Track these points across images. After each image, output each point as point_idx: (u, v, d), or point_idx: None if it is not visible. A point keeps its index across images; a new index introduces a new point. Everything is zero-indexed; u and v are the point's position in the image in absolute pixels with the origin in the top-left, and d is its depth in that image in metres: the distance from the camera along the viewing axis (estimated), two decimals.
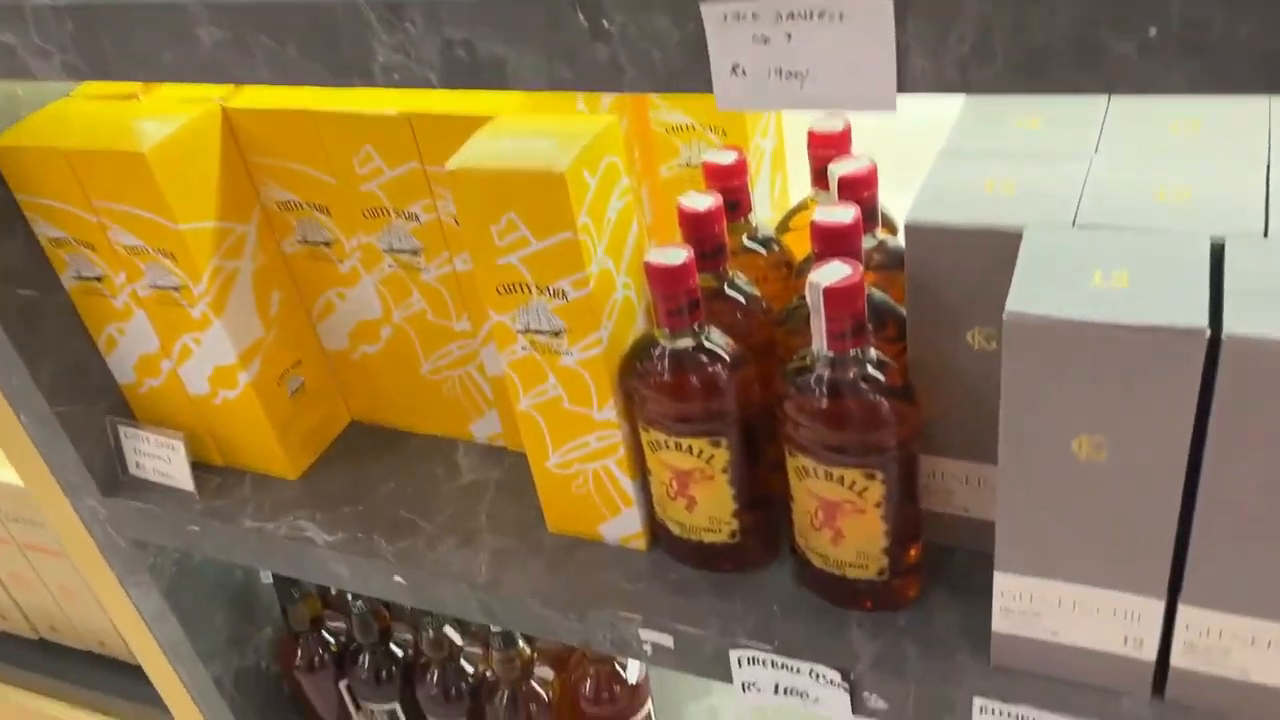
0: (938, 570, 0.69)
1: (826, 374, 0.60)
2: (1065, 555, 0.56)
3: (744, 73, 0.44)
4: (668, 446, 0.67)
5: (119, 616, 1.04)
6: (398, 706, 1.07)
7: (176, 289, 0.78)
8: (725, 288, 0.69)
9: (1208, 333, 0.47)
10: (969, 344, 0.61)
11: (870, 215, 0.67)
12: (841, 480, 0.62)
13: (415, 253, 0.78)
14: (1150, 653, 0.58)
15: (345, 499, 0.85)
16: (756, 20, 0.42)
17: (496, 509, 0.81)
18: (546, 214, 0.61)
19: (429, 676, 1.03)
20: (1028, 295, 0.50)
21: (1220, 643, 0.55)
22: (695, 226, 0.66)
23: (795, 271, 0.75)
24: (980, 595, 0.66)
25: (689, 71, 0.45)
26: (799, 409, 0.62)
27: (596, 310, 0.64)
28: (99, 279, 0.82)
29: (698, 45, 0.44)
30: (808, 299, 0.59)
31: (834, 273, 0.58)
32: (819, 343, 0.60)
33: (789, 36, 0.42)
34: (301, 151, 0.76)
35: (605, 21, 0.45)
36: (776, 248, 0.76)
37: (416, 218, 0.76)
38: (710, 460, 0.66)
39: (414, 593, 0.79)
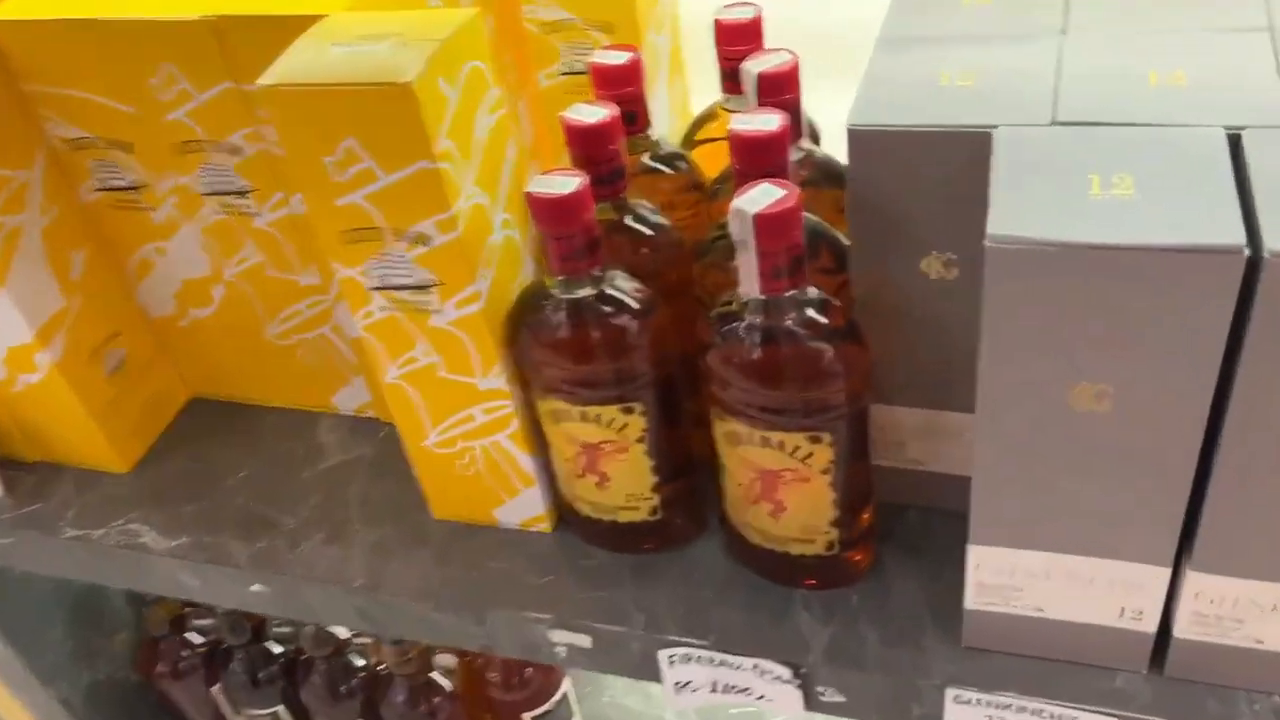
0: (890, 535, 0.60)
1: (760, 321, 0.49)
2: (1055, 524, 0.47)
3: None
4: (571, 417, 0.55)
5: None
6: (281, 709, 0.95)
7: None
8: (627, 219, 0.57)
9: (1246, 252, 0.37)
10: (924, 273, 0.51)
11: (795, 123, 0.56)
12: (782, 446, 0.52)
13: (243, 194, 0.64)
14: (1151, 625, 0.49)
15: (187, 495, 0.71)
16: None
17: (371, 494, 0.69)
18: (395, 138, 0.48)
19: (313, 675, 0.91)
20: (1011, 215, 0.40)
21: (1234, 611, 0.47)
22: (586, 145, 0.54)
23: (709, 194, 0.63)
24: (940, 561, 0.58)
25: None
26: (728, 365, 0.51)
27: (470, 257, 0.52)
28: None
29: None
30: (732, 230, 0.47)
31: (764, 197, 0.46)
32: (749, 284, 0.48)
33: None
34: (88, 75, 0.61)
35: None
36: (684, 165, 0.64)
37: (239, 151, 0.61)
38: (623, 430, 0.55)
39: (277, 603, 0.66)
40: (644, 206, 0.59)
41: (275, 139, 0.58)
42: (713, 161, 0.63)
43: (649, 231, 0.58)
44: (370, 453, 0.72)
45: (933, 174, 0.47)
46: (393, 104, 0.47)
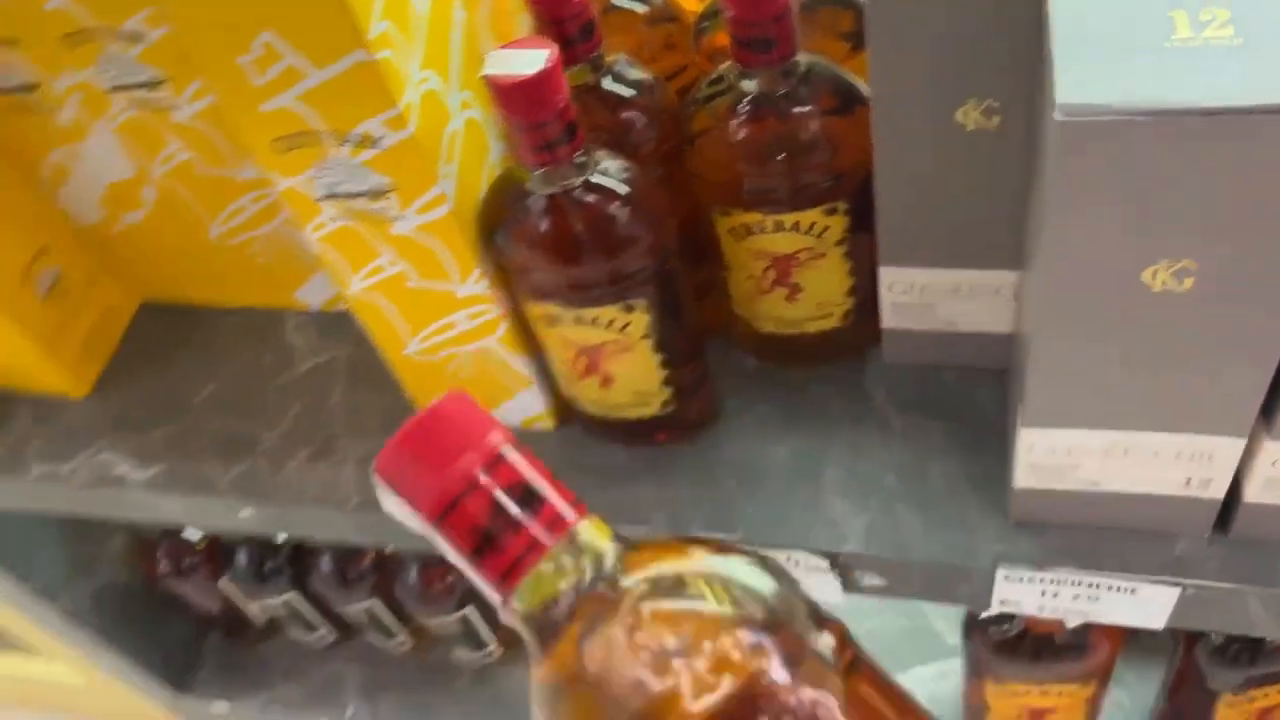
0: (923, 402, 0.55)
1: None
2: (1120, 403, 0.42)
3: None
4: (566, 321, 0.49)
5: None
6: (294, 595, 0.93)
7: None
8: (605, 81, 0.49)
9: None
10: (960, 124, 0.44)
11: None
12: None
13: (154, 85, 0.55)
14: (1218, 491, 0.46)
15: (155, 417, 0.66)
16: None
17: (354, 401, 0.63)
18: (321, 28, 0.39)
19: (320, 562, 0.89)
20: (1082, 75, 0.33)
21: None
22: (549, 3, 0.45)
23: (696, 31, 0.54)
24: (980, 428, 0.53)
25: None
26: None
27: (428, 156, 0.44)
28: None
29: None
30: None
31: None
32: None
33: None
34: None
35: None
36: (661, 4, 0.55)
37: (140, 37, 0.52)
38: (625, 329, 0.49)
39: (269, 525, 0.62)
40: (623, 61, 0.50)
41: (161, 34, 0.49)
42: None
43: (631, 92, 0.50)
44: (346, 353, 0.66)
45: (971, 7, 0.40)
46: None
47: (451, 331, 0.53)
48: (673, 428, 0.56)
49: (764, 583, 0.31)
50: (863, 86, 0.46)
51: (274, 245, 0.64)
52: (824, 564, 0.52)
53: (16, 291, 0.63)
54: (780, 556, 0.53)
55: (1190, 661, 0.70)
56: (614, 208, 0.45)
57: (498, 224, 0.48)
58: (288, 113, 0.43)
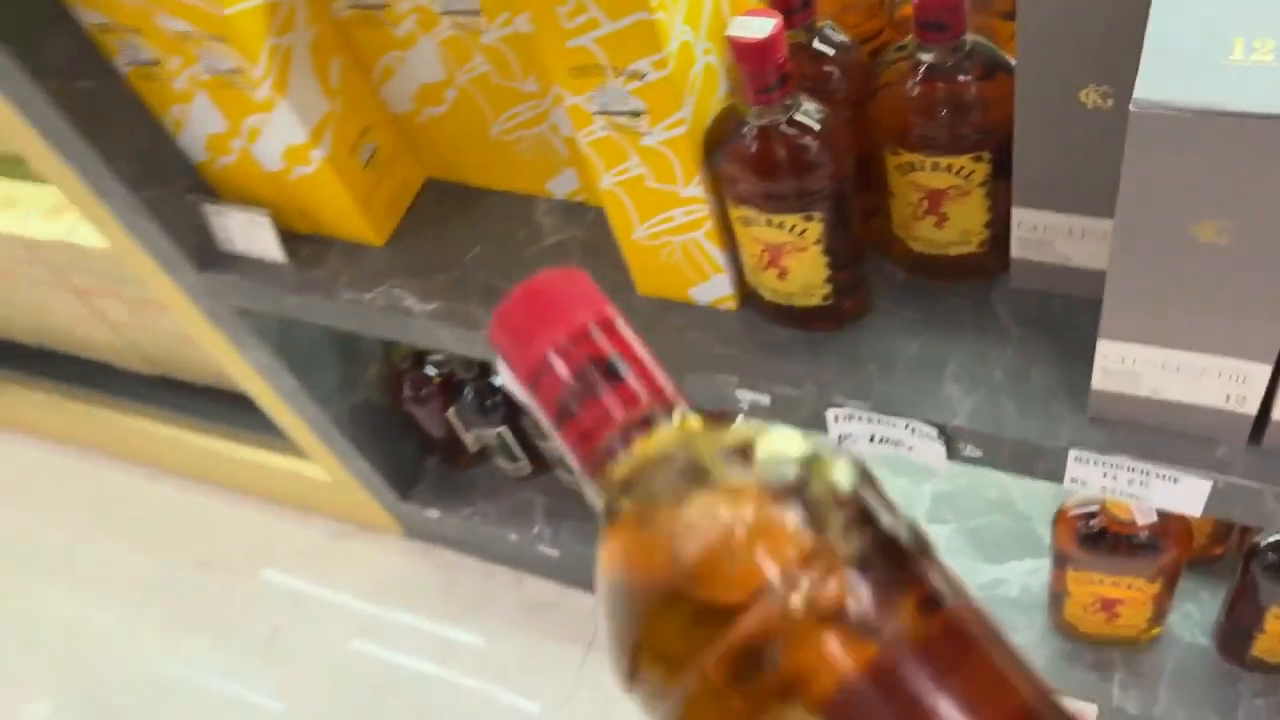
0: (1035, 319, 0.69)
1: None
2: (1174, 326, 0.56)
3: None
4: (758, 223, 0.65)
5: (234, 369, 1.10)
6: (505, 429, 1.14)
7: (235, 72, 0.75)
8: (815, 42, 0.65)
9: None
10: (1082, 102, 0.57)
11: None
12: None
13: (474, 13, 0.73)
14: (1252, 408, 0.58)
15: (435, 266, 0.86)
16: None
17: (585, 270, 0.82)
18: None
19: None
20: (1156, 79, 0.46)
21: None
22: None
23: (889, 6, 0.69)
24: (1075, 343, 0.67)
25: None
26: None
27: (678, 90, 0.61)
28: (154, 63, 0.79)
29: None
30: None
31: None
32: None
33: None
34: None
35: None
36: None
37: None
38: (803, 234, 0.65)
39: None
40: (830, 27, 0.65)
41: None
42: None
43: (832, 51, 0.65)
44: (581, 235, 0.84)
45: (1095, 14, 0.53)
46: None
47: (670, 223, 0.70)
48: (830, 318, 0.72)
49: (845, 476, 0.28)
50: (1012, 62, 0.60)
51: (537, 145, 0.82)
52: (933, 433, 0.68)
53: (346, 159, 0.84)
54: (900, 424, 0.69)
55: (1247, 578, 0.82)
56: (807, 140, 0.61)
57: (718, 144, 0.64)
58: (585, 50, 0.60)
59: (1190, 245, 0.51)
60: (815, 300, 0.70)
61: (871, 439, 0.72)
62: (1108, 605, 0.88)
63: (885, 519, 0.27)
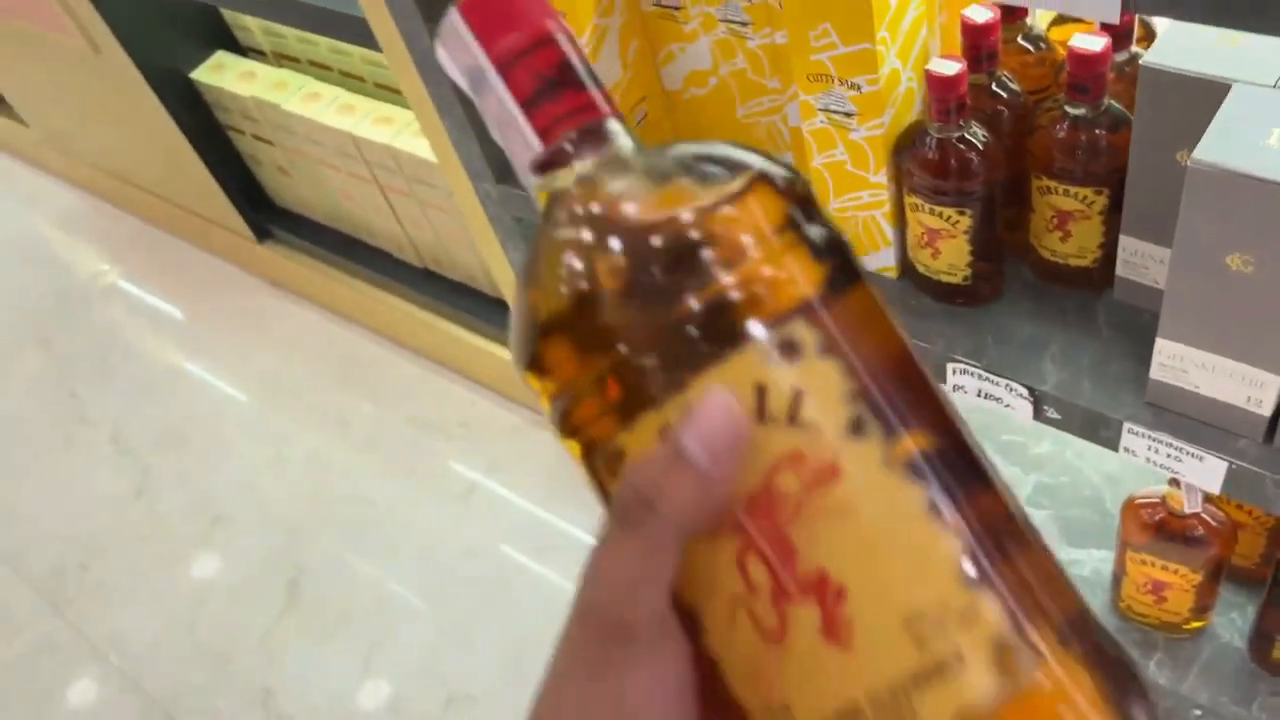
0: (1125, 326, 0.89)
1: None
2: (1211, 334, 0.75)
3: None
4: (923, 210, 0.88)
5: (496, 269, 1.39)
6: None
7: None
8: (993, 85, 0.87)
9: None
10: (1178, 161, 0.77)
11: (1124, 35, 0.82)
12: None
13: (744, 24, 0.98)
14: (1267, 410, 0.77)
15: None
16: None
17: None
18: (853, 28, 0.80)
19: None
20: (1213, 146, 0.67)
21: None
22: (973, 37, 0.83)
23: (1057, 69, 0.90)
24: (1149, 349, 0.86)
25: None
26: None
27: (883, 101, 0.84)
28: None
29: None
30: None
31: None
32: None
33: None
34: None
35: None
36: (1043, 46, 0.91)
37: None
38: (955, 224, 0.87)
39: None
40: (1006, 76, 0.87)
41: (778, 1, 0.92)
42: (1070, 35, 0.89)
43: (1005, 95, 0.87)
44: None
45: (1192, 100, 0.73)
46: (857, 7, 0.79)
47: (858, 202, 0.93)
48: (968, 296, 0.94)
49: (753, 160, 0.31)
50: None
51: (768, 129, 1.07)
52: (1026, 393, 0.89)
53: (626, 117, 1.11)
54: (1002, 383, 0.90)
55: (1275, 589, 0.99)
56: (970, 154, 0.83)
57: (905, 147, 0.87)
58: (822, 63, 0.84)
59: (1223, 271, 0.71)
60: (957, 279, 0.92)
61: (979, 393, 0.93)
62: (1157, 588, 1.06)
63: (812, 223, 0.31)
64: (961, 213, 0.86)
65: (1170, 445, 0.83)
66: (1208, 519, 0.98)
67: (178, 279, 2.29)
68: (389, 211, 1.63)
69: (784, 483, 0.28)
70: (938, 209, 0.87)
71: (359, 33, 1.22)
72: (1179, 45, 0.74)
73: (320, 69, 1.68)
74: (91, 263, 2.44)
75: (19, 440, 2.08)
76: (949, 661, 0.27)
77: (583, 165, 0.32)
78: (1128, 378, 0.86)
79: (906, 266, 0.97)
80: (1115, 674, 0.29)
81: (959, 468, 0.29)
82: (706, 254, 0.29)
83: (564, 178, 0.32)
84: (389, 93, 1.56)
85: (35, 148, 2.55)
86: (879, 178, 0.90)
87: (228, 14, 1.78)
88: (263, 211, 2.00)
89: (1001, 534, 0.29)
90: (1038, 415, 0.90)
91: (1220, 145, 0.67)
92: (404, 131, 1.47)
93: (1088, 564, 1.19)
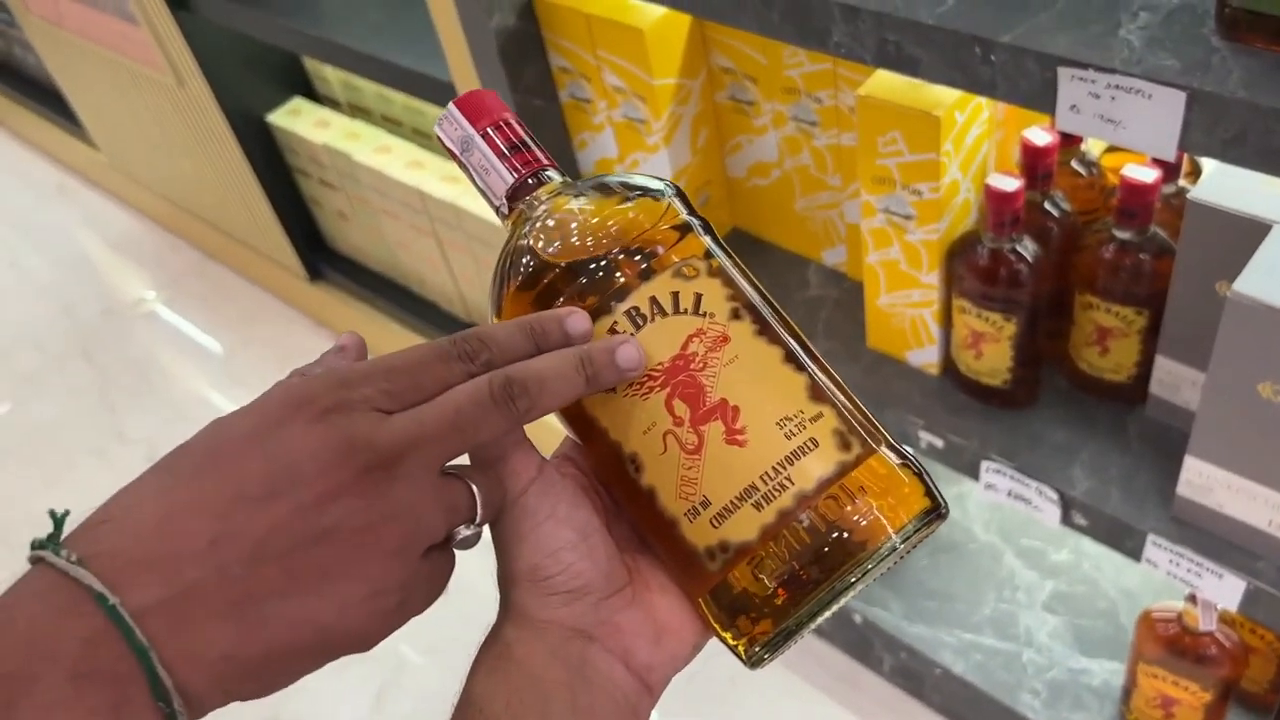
0: (1157, 441, 0.93)
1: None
2: (1240, 458, 0.79)
3: (1078, 111, 0.67)
4: (971, 313, 0.93)
5: None
6: None
7: (641, 121, 1.10)
8: (1046, 204, 0.92)
9: None
10: (1216, 291, 0.82)
11: (1173, 168, 0.87)
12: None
13: (813, 124, 1.04)
14: None
15: None
16: (1094, 84, 0.65)
17: (831, 321, 1.11)
18: (921, 139, 0.86)
19: None
20: (1253, 281, 0.71)
21: None
22: (1032, 158, 0.88)
23: (1107, 194, 0.95)
24: (1177, 466, 0.90)
25: (1042, 101, 0.68)
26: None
27: (942, 208, 0.90)
28: (587, 101, 1.15)
29: (1052, 87, 0.67)
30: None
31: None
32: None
33: (1113, 99, 0.64)
34: (747, 38, 1.03)
35: (992, 56, 0.69)
36: (1095, 171, 0.96)
37: (820, 100, 1.02)
38: (1000, 329, 0.92)
39: None
40: (1059, 196, 0.93)
41: (847, 101, 0.98)
42: (1122, 162, 0.95)
43: (1056, 214, 0.92)
44: (836, 295, 1.13)
45: (1232, 236, 0.78)
46: (926, 121, 0.84)
47: (907, 299, 0.98)
48: (1005, 399, 0.98)
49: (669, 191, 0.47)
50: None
51: (825, 223, 1.13)
52: (1055, 497, 0.92)
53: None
54: (1033, 485, 0.94)
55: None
56: (1020, 266, 0.88)
57: (958, 252, 0.92)
58: (887, 169, 0.90)
59: (1255, 399, 0.75)
60: (997, 382, 0.97)
61: (1009, 493, 0.97)
62: (1167, 703, 1.08)
63: (693, 214, 0.46)
64: (1007, 319, 0.91)
65: (1192, 560, 0.86)
66: (1221, 639, 1.01)
67: (224, 308, 2.35)
68: (443, 264, 1.69)
69: (694, 347, 0.42)
70: (985, 313, 0.92)
71: (441, 94, 1.29)
72: (1224, 182, 0.79)
73: (392, 123, 1.76)
74: (142, 285, 2.51)
75: (55, 447, 2.13)
76: (807, 446, 0.41)
77: (532, 196, 0.47)
78: (1154, 491, 0.90)
79: (948, 365, 1.02)
80: (928, 482, 0.43)
81: (798, 342, 0.44)
82: (634, 228, 0.44)
83: (525, 204, 0.47)
84: None
85: (101, 169, 2.64)
86: (931, 278, 0.95)
87: (310, 64, 1.87)
88: (318, 252, 2.07)
89: (830, 379, 0.44)
90: (1065, 520, 0.94)
91: (1260, 280, 0.71)
92: (470, 190, 1.54)
93: (1099, 674, 1.21)
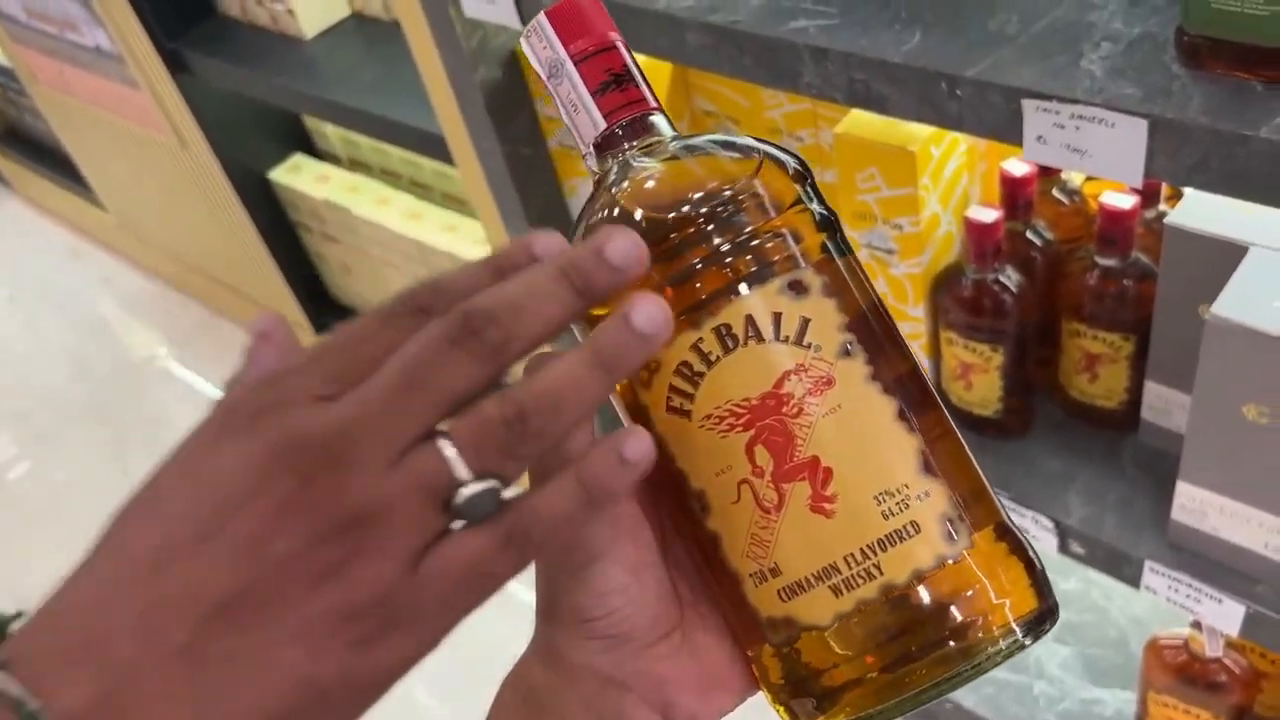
0: (1152, 468, 0.92)
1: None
2: (1231, 481, 0.79)
3: (1045, 142, 0.67)
4: (958, 344, 0.93)
5: None
6: None
7: None
8: (1027, 232, 0.92)
9: None
10: (1199, 315, 0.82)
11: (1152, 194, 0.88)
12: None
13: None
14: None
15: None
16: (1058, 115, 0.65)
17: None
18: (898, 174, 0.87)
19: None
20: (1230, 303, 0.72)
21: None
22: (1011, 188, 0.89)
23: (1090, 220, 0.96)
24: (1172, 491, 0.90)
25: (1009, 133, 0.69)
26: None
27: (923, 242, 0.90)
28: (574, 147, 1.16)
29: (1018, 119, 0.68)
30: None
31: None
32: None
33: (1077, 128, 0.65)
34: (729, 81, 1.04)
35: (958, 91, 0.70)
36: (1078, 199, 0.97)
37: (801, 139, 1.03)
38: (988, 360, 0.92)
39: None
40: (1040, 225, 0.93)
41: (826, 139, 0.99)
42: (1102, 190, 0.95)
43: (1039, 243, 0.93)
44: None
45: (1213, 260, 0.78)
46: (901, 157, 0.85)
47: None
48: (997, 428, 0.98)
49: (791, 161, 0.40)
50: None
51: None
52: (1051, 526, 0.92)
53: None
54: (1028, 514, 0.93)
55: None
56: (1004, 296, 0.89)
57: (942, 284, 0.92)
58: (867, 204, 0.91)
59: (1241, 421, 0.74)
60: (989, 412, 0.96)
61: None
62: None
63: (815, 201, 0.40)
64: (994, 349, 0.91)
65: (1190, 585, 0.85)
66: (1230, 665, 1.00)
67: (232, 362, 2.38)
68: None
69: (790, 387, 0.35)
70: (972, 344, 0.92)
71: (435, 147, 1.31)
72: (1202, 206, 0.79)
73: (390, 176, 1.78)
74: (153, 344, 2.53)
75: (66, 509, 2.14)
76: (907, 530, 0.35)
77: (629, 148, 0.39)
78: (1150, 517, 0.89)
79: (940, 395, 1.02)
80: (1039, 576, 0.38)
81: (918, 390, 0.38)
82: (740, 215, 0.37)
83: (618, 158, 0.39)
84: (455, 202, 1.65)
85: (110, 231, 2.68)
86: (917, 311, 0.95)
87: (309, 120, 1.90)
88: (322, 305, 2.09)
89: (947, 444, 0.38)
90: (1062, 548, 0.93)
91: (1238, 303, 0.71)
92: (467, 239, 1.56)
93: (1111, 704, 1.20)
